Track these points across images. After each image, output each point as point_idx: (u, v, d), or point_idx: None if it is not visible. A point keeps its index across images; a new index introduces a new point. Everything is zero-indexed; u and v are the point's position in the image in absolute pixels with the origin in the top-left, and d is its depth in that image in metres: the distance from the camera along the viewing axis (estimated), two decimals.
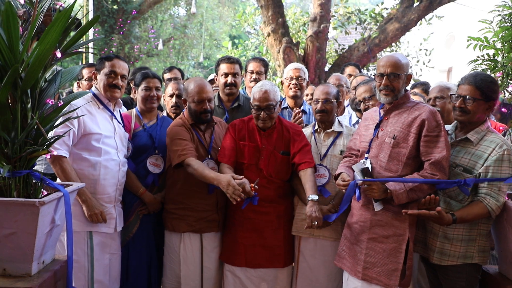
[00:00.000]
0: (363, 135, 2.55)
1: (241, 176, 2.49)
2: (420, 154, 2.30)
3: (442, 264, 2.32)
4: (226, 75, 3.21)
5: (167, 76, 3.97)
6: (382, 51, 7.66)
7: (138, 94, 3.03)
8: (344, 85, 3.56)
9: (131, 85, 4.03)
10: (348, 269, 2.49)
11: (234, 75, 3.21)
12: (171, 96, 3.24)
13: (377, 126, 2.46)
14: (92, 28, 10.25)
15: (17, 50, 1.81)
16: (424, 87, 3.77)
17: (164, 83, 4.00)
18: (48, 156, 2.11)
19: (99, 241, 2.59)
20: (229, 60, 3.24)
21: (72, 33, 2.13)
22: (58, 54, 1.99)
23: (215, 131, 2.91)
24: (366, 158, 2.43)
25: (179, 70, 4.27)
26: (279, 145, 2.78)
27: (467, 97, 2.29)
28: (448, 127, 2.49)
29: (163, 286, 2.93)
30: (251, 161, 2.75)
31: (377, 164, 2.39)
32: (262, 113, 2.70)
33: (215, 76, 3.38)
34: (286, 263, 2.81)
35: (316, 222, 2.48)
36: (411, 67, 8.87)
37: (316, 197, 2.55)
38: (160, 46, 12.98)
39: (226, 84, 3.20)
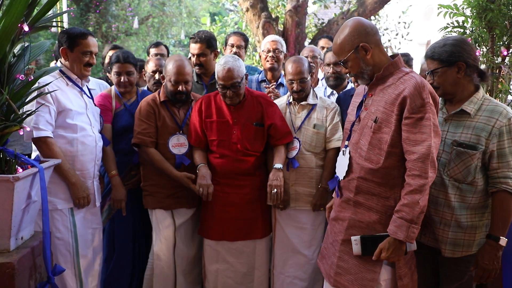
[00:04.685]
0: (349, 114, 2.20)
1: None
2: (402, 141, 1.87)
3: (456, 256, 2.07)
4: (193, 55, 3.20)
5: (153, 51, 3.94)
6: None
7: (112, 77, 3.05)
8: (318, 56, 3.57)
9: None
10: (324, 272, 2.19)
11: (199, 56, 3.17)
12: (154, 72, 3.23)
13: (360, 106, 2.08)
14: (67, 7, 9.99)
15: None
16: (405, 58, 3.75)
17: (149, 58, 4.00)
18: (21, 132, 2.08)
19: (80, 217, 2.59)
20: (194, 40, 3.16)
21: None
22: (26, 28, 1.95)
23: (192, 108, 2.87)
24: (346, 146, 2.09)
25: (165, 46, 4.22)
26: (251, 117, 2.75)
27: (428, 72, 2.09)
28: None
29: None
30: (222, 137, 2.73)
31: (357, 153, 2.01)
32: (228, 91, 2.66)
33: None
34: (264, 234, 2.83)
35: (275, 190, 2.59)
36: (389, 40, 8.91)
37: (280, 166, 2.66)
38: (136, 25, 12.66)
39: (194, 65, 3.20)
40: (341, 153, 2.14)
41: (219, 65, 2.66)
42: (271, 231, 2.89)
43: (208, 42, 3.18)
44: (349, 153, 2.04)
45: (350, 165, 2.03)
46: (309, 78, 2.78)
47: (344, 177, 2.06)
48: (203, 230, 2.85)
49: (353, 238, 1.97)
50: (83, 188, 2.53)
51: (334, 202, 2.21)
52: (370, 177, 1.95)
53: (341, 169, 2.09)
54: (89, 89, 2.77)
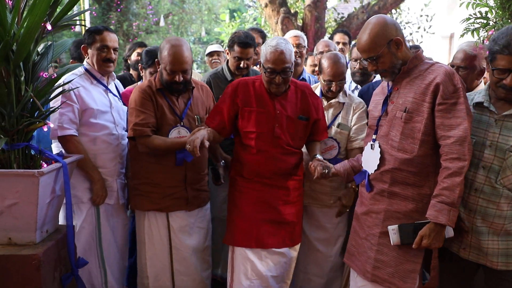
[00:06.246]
0: (371, 111, 2.20)
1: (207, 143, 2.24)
2: (436, 127, 1.89)
3: (510, 268, 1.92)
4: (240, 59, 2.99)
5: None
6: None
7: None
8: (334, 50, 3.55)
9: (128, 61, 4.04)
10: (356, 268, 2.16)
11: (248, 59, 3.05)
12: None
13: (386, 100, 2.07)
14: (89, 6, 10.17)
15: (5, 23, 1.82)
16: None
17: None
18: (45, 129, 2.13)
19: (103, 210, 2.64)
20: (245, 45, 2.94)
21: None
22: (49, 27, 2.01)
23: (193, 96, 2.59)
24: (374, 140, 2.07)
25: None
26: (295, 109, 2.45)
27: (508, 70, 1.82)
28: (470, 94, 2.08)
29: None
30: (263, 129, 2.39)
31: (388, 144, 2.01)
32: (277, 77, 2.33)
33: (226, 50, 3.29)
34: (298, 240, 2.55)
35: (326, 171, 2.28)
36: (410, 33, 8.75)
37: (321, 156, 2.43)
38: (162, 23, 12.85)
39: (238, 67, 3.04)
40: (367, 147, 2.12)
41: (270, 47, 2.33)
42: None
43: (254, 44, 3.05)
44: (379, 146, 2.04)
45: (381, 158, 2.03)
46: (346, 77, 2.66)
47: (375, 170, 2.05)
48: (229, 237, 2.47)
49: (390, 227, 1.95)
50: (104, 188, 2.58)
51: (361, 196, 2.18)
52: (405, 167, 1.96)
53: (371, 163, 2.08)
54: (116, 87, 2.78)
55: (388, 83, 2.10)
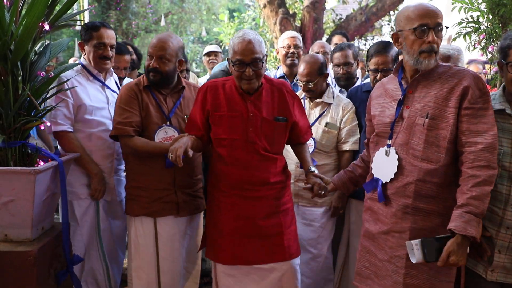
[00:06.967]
0: (379, 116, 1.98)
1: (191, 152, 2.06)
2: (460, 133, 1.75)
3: None
4: None
5: None
6: (379, 20, 7.60)
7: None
8: (329, 52, 3.57)
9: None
10: None
11: None
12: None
13: (400, 103, 1.89)
14: (88, 4, 10.20)
15: (3, 22, 1.85)
16: None
17: None
18: (42, 127, 2.16)
19: (102, 205, 2.65)
20: None
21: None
22: (46, 27, 2.04)
23: (184, 96, 2.47)
24: (389, 146, 1.89)
25: None
26: (271, 110, 2.22)
27: None
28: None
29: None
30: (236, 135, 2.16)
31: (409, 154, 1.83)
32: (247, 69, 2.09)
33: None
34: (291, 255, 2.25)
35: (322, 192, 2.15)
36: None
37: (315, 169, 2.26)
38: (163, 22, 12.88)
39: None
40: (380, 153, 1.94)
41: (237, 38, 2.12)
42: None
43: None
44: (396, 153, 1.87)
45: (401, 168, 1.85)
46: (319, 79, 2.69)
47: (392, 180, 1.88)
48: (211, 252, 2.28)
49: (413, 242, 1.72)
50: (102, 182, 2.58)
51: (376, 213, 1.97)
52: (429, 178, 1.80)
53: (385, 170, 1.90)
54: (116, 83, 2.77)
55: (401, 83, 1.92)
